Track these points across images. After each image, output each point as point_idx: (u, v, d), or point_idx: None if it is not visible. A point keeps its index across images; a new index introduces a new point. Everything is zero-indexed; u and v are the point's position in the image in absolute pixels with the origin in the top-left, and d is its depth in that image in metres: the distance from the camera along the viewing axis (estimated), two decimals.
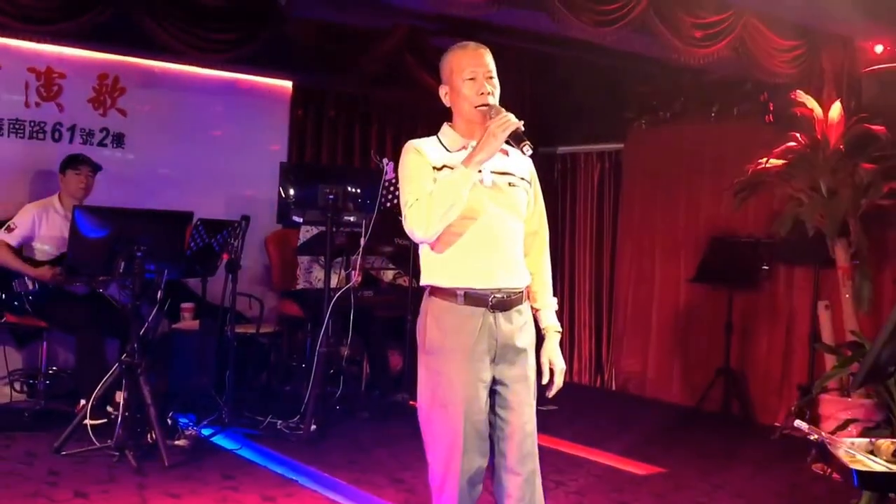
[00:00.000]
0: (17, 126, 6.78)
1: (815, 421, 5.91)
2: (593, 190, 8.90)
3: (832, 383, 5.89)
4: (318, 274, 6.96)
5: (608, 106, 8.51)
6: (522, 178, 3.31)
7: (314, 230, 6.84)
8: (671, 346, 8.10)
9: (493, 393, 3.21)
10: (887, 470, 2.64)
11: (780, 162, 5.85)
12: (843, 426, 5.25)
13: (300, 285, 7.20)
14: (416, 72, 7.35)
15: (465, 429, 3.12)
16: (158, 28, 6.33)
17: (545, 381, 3.33)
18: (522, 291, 3.27)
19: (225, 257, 6.24)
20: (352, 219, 6.33)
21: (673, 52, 5.93)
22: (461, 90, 3.20)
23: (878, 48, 6.31)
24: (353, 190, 6.59)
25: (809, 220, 5.71)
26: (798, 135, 5.88)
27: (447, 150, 3.23)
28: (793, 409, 6.24)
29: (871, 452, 2.76)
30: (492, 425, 3.22)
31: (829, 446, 2.80)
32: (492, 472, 3.27)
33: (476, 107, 3.17)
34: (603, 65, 7.52)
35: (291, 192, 7.08)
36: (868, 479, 2.65)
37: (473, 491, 3.18)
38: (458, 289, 3.15)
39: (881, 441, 2.79)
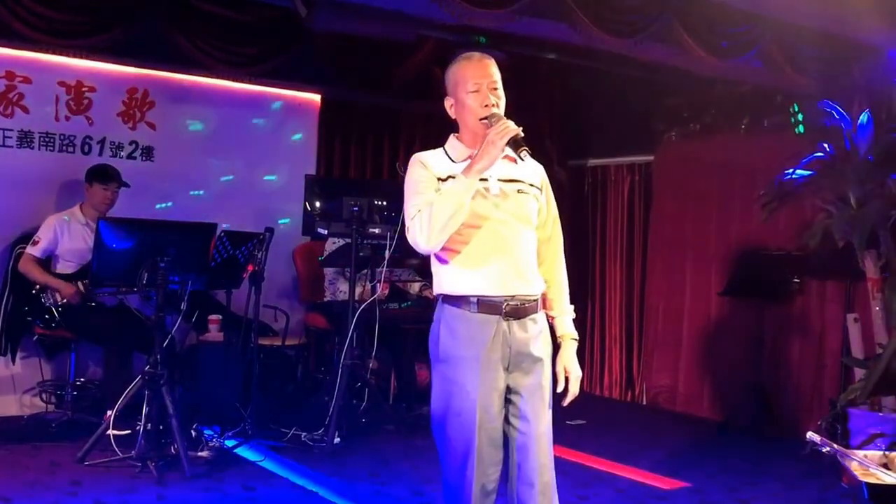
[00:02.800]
0: (47, 139, 6.81)
1: (845, 436, 5.81)
2: (624, 202, 8.85)
3: None
4: (344, 286, 6.96)
5: (638, 118, 8.45)
6: (532, 185, 3.29)
7: (340, 242, 6.82)
8: (702, 361, 8.01)
9: (506, 402, 3.19)
10: None
11: (807, 173, 5.78)
12: (870, 441, 5.17)
13: (327, 297, 7.20)
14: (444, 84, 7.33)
15: (480, 438, 3.11)
16: (188, 42, 6.40)
17: (560, 388, 3.30)
18: (537, 300, 3.25)
19: (250, 269, 6.24)
20: (377, 231, 6.31)
21: (698, 63, 5.88)
22: (466, 102, 3.21)
23: None
24: (379, 202, 6.58)
25: (838, 232, 5.63)
26: (826, 145, 5.81)
27: (453, 161, 3.24)
28: (819, 423, 6.14)
29: (885, 466, 2.72)
30: (506, 435, 3.20)
31: (841, 459, 2.76)
32: (506, 484, 3.24)
33: (480, 119, 3.17)
34: (633, 77, 7.48)
35: (317, 204, 7.08)
36: (880, 492, 2.60)
37: (487, 500, 3.17)
38: (472, 296, 3.14)
39: (894, 454, 2.74)
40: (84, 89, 6.97)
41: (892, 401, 5.50)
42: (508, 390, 3.19)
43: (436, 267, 3.26)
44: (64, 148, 6.89)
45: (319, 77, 7.62)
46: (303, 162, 8.00)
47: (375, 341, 6.26)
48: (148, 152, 7.27)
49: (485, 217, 3.14)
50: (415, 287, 7.51)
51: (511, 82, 3.27)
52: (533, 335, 3.21)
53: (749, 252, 7.43)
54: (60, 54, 6.71)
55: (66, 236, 6.28)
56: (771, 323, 7.33)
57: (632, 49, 5.62)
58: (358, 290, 6.40)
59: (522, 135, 3.07)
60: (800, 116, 6.72)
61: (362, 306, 6.12)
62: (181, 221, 6.51)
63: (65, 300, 6.14)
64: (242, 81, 7.60)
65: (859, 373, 5.91)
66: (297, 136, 8.06)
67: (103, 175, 6.39)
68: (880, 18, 5.68)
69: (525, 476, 3.18)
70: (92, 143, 7.01)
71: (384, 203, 6.61)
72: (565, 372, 3.32)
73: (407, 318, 7.02)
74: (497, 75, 3.23)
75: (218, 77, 7.42)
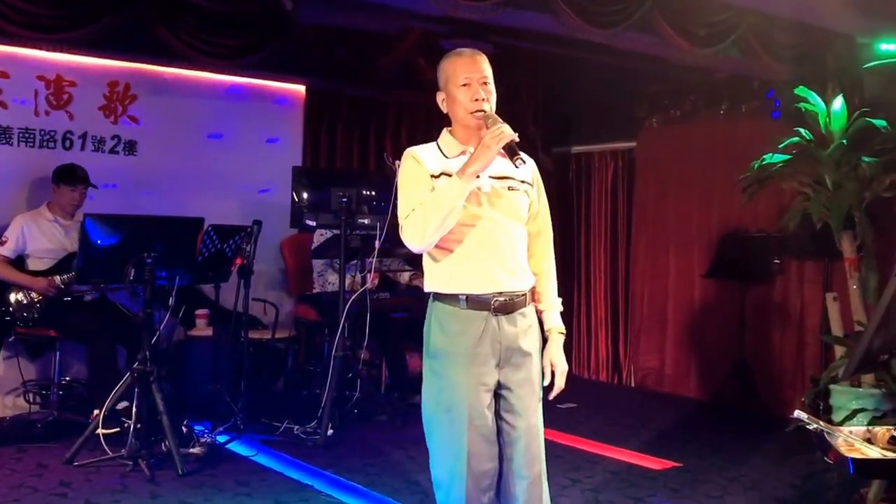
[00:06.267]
0: (27, 135, 6.73)
1: (827, 412, 5.90)
2: (608, 188, 8.92)
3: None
4: (333, 278, 6.97)
5: (621, 105, 8.55)
6: (523, 182, 3.31)
7: (329, 234, 6.81)
8: (687, 342, 8.12)
9: (497, 397, 3.23)
10: (882, 457, 2.66)
11: (784, 157, 5.86)
12: (851, 416, 5.27)
13: (316, 289, 7.20)
14: (429, 74, 7.33)
15: (470, 433, 3.14)
16: (170, 35, 6.25)
17: (547, 382, 3.34)
18: (526, 294, 3.28)
19: (238, 262, 6.23)
20: (366, 221, 6.31)
21: (678, 52, 5.93)
22: (456, 97, 3.22)
23: (879, 44, 6.30)
24: (367, 193, 6.58)
25: (815, 214, 5.71)
26: (802, 130, 5.89)
27: (445, 156, 3.26)
28: (803, 400, 6.24)
29: (869, 440, 2.78)
30: (498, 430, 3.23)
31: (826, 436, 2.82)
32: (498, 476, 3.27)
33: (471, 113, 3.19)
34: (615, 65, 7.53)
35: (304, 195, 7.07)
36: (863, 466, 2.66)
37: (485, 497, 3.19)
38: (461, 293, 3.18)
39: (878, 429, 2.81)
40: (64, 83, 6.90)
41: (872, 377, 5.58)
42: (499, 385, 3.21)
43: (428, 264, 3.29)
44: (45, 144, 6.82)
45: (304, 68, 7.61)
46: (289, 153, 7.99)
47: (367, 332, 6.28)
48: (131, 146, 7.21)
49: (476, 216, 3.16)
50: (405, 276, 7.53)
51: (495, 71, 3.30)
52: (522, 330, 3.24)
53: (730, 234, 7.55)
54: (39, 48, 6.63)
55: (34, 235, 6.20)
56: (753, 303, 7.45)
57: (612, 39, 5.66)
58: (347, 280, 6.41)
59: (517, 140, 3.09)
60: (776, 102, 6.79)
61: (352, 297, 6.12)
62: (167, 217, 6.43)
63: (40, 297, 6.12)
64: (226, 73, 7.57)
65: (839, 350, 6.02)
66: (283, 128, 8.05)
67: (70, 176, 6.30)
68: (850, 8, 5.77)
69: (517, 469, 3.23)
70: (73, 138, 6.93)
71: (372, 193, 6.59)
72: (552, 366, 3.36)
73: (397, 307, 7.04)
74: (488, 70, 3.25)
75: (201, 69, 7.37)
